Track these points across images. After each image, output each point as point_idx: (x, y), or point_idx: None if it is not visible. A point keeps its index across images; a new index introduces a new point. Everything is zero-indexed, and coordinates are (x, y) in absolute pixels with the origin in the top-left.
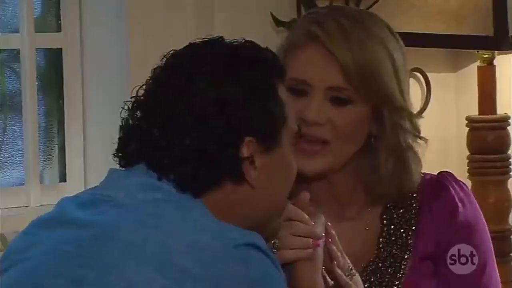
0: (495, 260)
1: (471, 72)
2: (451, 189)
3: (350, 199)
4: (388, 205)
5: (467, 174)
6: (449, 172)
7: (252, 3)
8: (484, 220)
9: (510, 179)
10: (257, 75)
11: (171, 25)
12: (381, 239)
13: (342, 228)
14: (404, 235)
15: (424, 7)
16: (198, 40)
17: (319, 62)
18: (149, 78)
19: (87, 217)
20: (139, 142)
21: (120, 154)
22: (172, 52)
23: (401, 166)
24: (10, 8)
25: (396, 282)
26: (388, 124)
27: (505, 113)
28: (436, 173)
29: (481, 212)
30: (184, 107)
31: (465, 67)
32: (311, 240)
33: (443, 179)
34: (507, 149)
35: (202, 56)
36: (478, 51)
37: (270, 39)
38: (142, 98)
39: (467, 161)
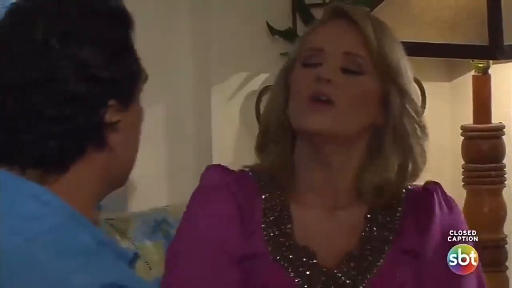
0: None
1: (466, 81)
2: (435, 197)
3: (346, 188)
4: (372, 213)
5: (462, 183)
6: (436, 182)
7: (247, 12)
8: (467, 227)
9: (505, 188)
10: (115, 32)
11: (167, 33)
12: (363, 233)
13: (332, 219)
14: (386, 233)
15: (419, 17)
16: None
17: (340, 31)
18: None
19: None
20: None
21: None
22: (13, 6)
23: (405, 154)
24: None
25: (374, 269)
26: (395, 108)
27: (500, 122)
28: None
29: (465, 221)
30: (41, 74)
31: (460, 76)
32: None
33: (429, 189)
34: (502, 158)
35: (52, 14)
36: (473, 60)
37: (265, 48)
38: None
39: (462, 170)
